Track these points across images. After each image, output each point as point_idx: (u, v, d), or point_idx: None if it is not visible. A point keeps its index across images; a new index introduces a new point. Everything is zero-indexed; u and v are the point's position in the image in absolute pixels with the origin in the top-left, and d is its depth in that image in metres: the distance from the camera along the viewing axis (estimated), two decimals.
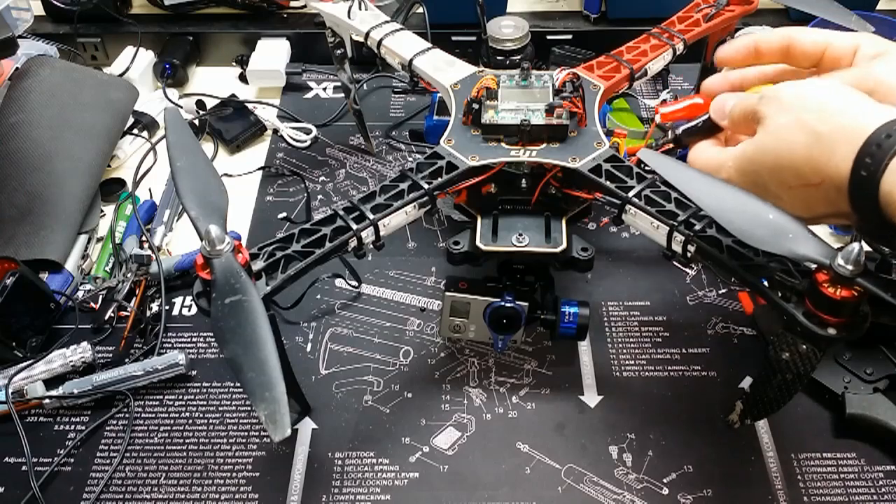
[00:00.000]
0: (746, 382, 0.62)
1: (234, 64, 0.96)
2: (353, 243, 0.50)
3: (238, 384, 0.63)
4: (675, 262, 0.70)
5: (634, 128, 0.85)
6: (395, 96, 0.92)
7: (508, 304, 0.57)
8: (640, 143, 0.81)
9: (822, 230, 0.70)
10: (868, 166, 0.39)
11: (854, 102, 0.42)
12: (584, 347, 0.65)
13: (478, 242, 0.53)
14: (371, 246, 0.51)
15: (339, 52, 0.73)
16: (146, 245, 0.71)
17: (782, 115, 0.44)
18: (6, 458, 0.58)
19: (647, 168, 0.51)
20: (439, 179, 0.52)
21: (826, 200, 0.43)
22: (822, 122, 0.42)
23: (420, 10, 0.86)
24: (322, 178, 0.82)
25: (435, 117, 0.71)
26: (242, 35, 0.95)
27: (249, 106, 0.87)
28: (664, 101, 0.87)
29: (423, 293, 0.70)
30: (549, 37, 0.91)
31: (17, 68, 0.78)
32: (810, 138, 0.42)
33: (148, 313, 0.67)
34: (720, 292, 0.69)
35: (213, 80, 0.95)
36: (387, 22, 0.67)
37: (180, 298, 0.70)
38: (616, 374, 0.63)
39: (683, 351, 0.64)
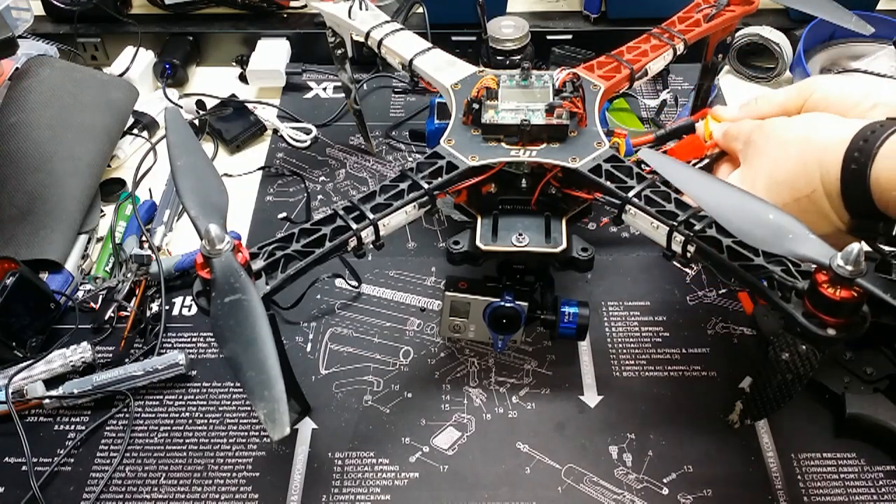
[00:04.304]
0: (746, 382, 0.62)
1: (234, 64, 0.96)
2: (353, 243, 0.50)
3: (238, 384, 0.63)
4: (675, 262, 0.70)
5: (634, 128, 0.85)
6: (395, 96, 0.92)
7: (508, 304, 0.57)
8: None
9: None
10: (857, 159, 0.42)
11: (836, 118, 0.47)
12: (584, 347, 0.65)
13: (478, 242, 0.53)
14: (371, 246, 0.51)
15: (339, 52, 0.73)
16: (146, 245, 0.71)
17: (772, 139, 0.49)
18: (6, 458, 0.58)
19: (647, 168, 0.51)
20: (439, 179, 0.52)
21: (818, 213, 0.45)
22: (811, 130, 0.47)
23: (420, 10, 0.86)
24: (322, 178, 0.82)
25: (436, 121, 0.71)
26: (242, 35, 0.95)
27: (249, 106, 0.87)
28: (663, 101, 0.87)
29: (423, 293, 0.70)
30: (549, 37, 0.91)
31: (17, 68, 0.78)
32: (801, 146, 0.46)
33: (148, 313, 0.67)
34: (720, 292, 0.69)
35: (213, 80, 0.95)
36: (387, 22, 0.67)
37: (180, 298, 0.70)
38: (616, 374, 0.63)
39: (683, 351, 0.64)
